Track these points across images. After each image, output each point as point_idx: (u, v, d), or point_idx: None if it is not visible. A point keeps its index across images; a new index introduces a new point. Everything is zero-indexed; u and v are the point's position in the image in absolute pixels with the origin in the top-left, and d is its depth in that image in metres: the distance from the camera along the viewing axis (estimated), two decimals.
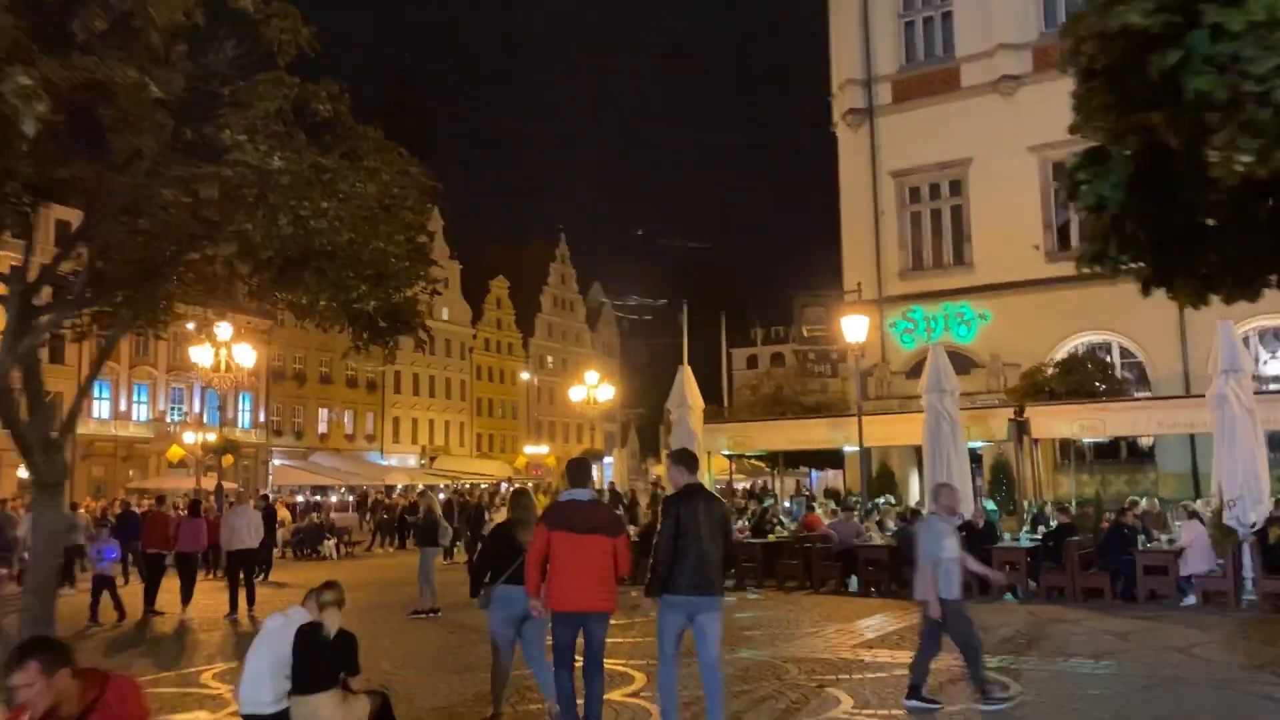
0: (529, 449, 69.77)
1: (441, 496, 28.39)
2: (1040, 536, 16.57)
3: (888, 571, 16.39)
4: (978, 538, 15.97)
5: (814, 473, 40.92)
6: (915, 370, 27.94)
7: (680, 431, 19.46)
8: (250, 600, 15.03)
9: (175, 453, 47.78)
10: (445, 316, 73.68)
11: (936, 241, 28.48)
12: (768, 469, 37.07)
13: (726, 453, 23.90)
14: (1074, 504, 20.19)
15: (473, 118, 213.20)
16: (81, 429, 52.55)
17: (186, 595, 15.04)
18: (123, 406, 54.30)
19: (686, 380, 19.56)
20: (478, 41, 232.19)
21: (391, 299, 7.11)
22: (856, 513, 18.00)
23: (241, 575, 14.94)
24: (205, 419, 58.50)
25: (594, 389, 36.99)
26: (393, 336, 7.88)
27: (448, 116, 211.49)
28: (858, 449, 22.90)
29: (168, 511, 15.71)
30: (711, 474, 23.85)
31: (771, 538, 18.11)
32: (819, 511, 20.05)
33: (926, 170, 28.56)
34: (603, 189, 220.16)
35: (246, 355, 26.98)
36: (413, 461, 68.83)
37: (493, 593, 7.52)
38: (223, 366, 26.55)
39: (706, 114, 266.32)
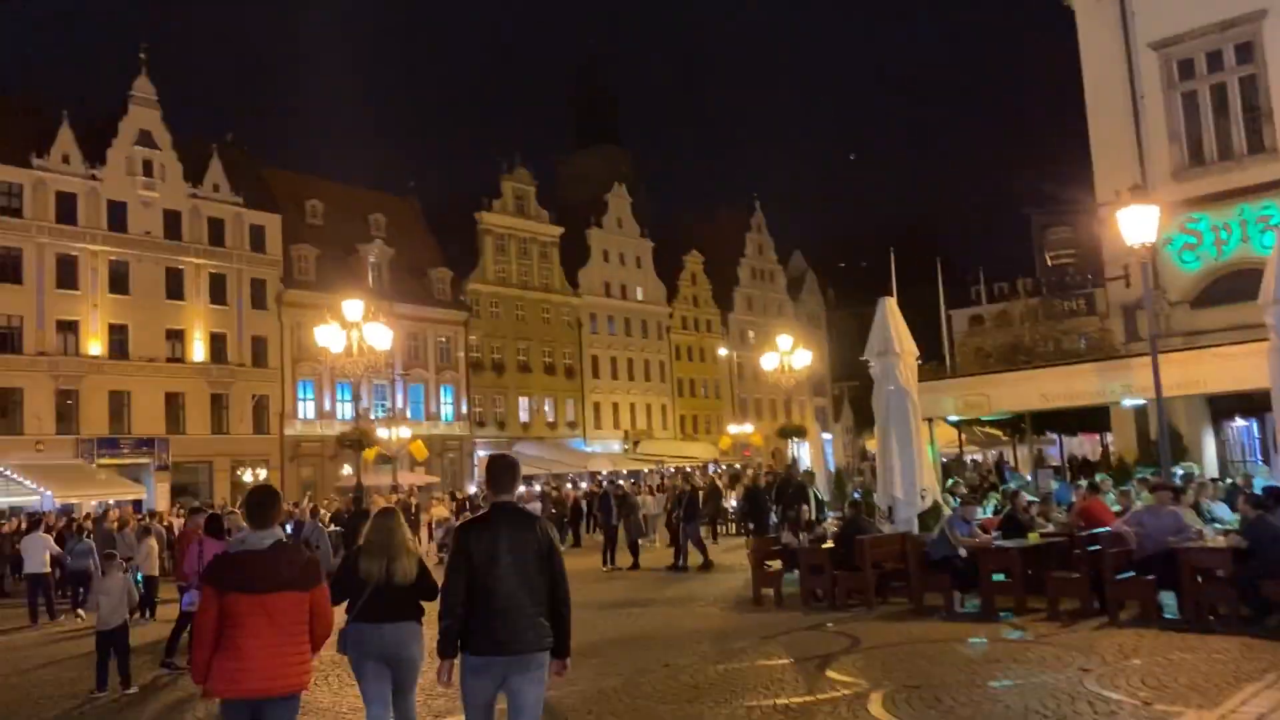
0: (733, 428, 64.33)
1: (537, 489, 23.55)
2: None
3: (1235, 588, 9.99)
4: None
5: (1058, 440, 33.54)
6: (1204, 298, 20.64)
7: (886, 390, 13.53)
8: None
9: (370, 453, 45.54)
10: (639, 296, 69.37)
11: (1222, 126, 20.96)
12: (1005, 437, 30.08)
13: (953, 418, 17.72)
14: None
15: (658, 91, 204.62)
16: (288, 430, 51.53)
17: None
18: (326, 406, 52.88)
19: (890, 317, 13.57)
20: (657, 13, 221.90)
21: None
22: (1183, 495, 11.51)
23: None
24: (409, 414, 56.81)
25: (788, 355, 31.17)
26: None
27: (633, 93, 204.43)
28: (1138, 403, 16.27)
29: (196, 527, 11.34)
30: (935, 447, 17.73)
31: (1033, 538, 11.95)
32: (1110, 498, 13.48)
33: (1201, 35, 21.07)
34: (797, 148, 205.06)
35: (381, 337, 22.94)
36: (616, 447, 65.01)
37: (347, 634, 6.17)
38: (354, 350, 22.62)
39: (906, 34, 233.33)
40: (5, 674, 11.76)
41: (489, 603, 4.89)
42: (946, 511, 12.96)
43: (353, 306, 22.59)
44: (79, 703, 9.73)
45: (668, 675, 9.07)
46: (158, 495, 43.65)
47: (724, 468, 59.76)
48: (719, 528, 26.19)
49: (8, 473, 40.79)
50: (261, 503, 5.22)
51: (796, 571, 13.43)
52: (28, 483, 40.24)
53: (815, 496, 17.60)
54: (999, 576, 11.53)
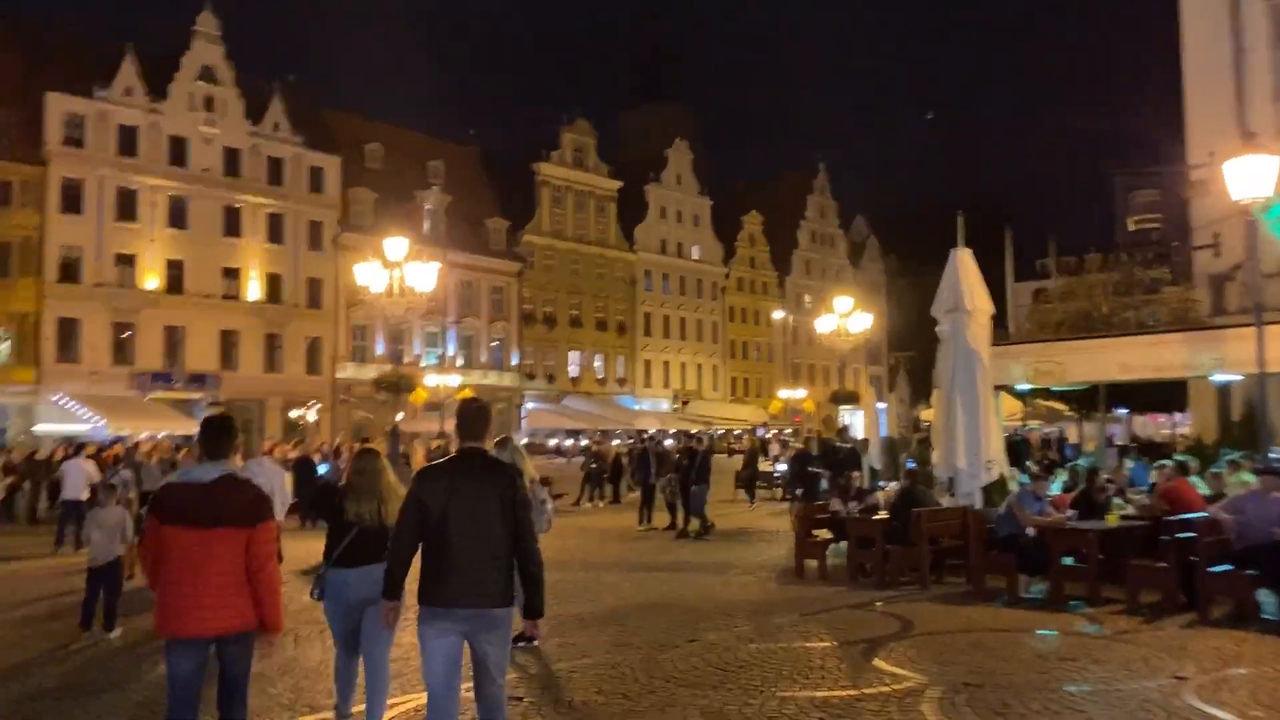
0: (784, 393, 62.94)
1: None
2: None
3: None
4: None
5: (1125, 417, 31.60)
6: None
7: (954, 351, 12.19)
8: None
9: (419, 396, 45.07)
10: (696, 255, 67.96)
11: None
12: (1070, 412, 28.32)
13: (1023, 387, 16.28)
14: None
15: (723, 48, 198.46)
16: (340, 373, 51.28)
17: None
18: (379, 350, 52.47)
19: (963, 270, 12.19)
20: None
21: None
22: None
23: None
24: (459, 362, 56.29)
25: (845, 318, 29.76)
26: None
27: (698, 51, 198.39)
28: (1231, 379, 14.75)
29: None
30: (1001, 418, 16.33)
31: (1111, 520, 10.62)
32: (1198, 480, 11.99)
33: None
34: (865, 111, 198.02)
35: (424, 277, 22.01)
36: (665, 406, 64.05)
37: (326, 580, 5.89)
38: (395, 290, 21.73)
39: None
40: None
41: (444, 553, 4.57)
42: (1014, 486, 11.65)
43: (395, 245, 21.67)
44: (55, 645, 8.94)
45: (693, 652, 7.98)
46: None
47: (773, 432, 58.48)
48: (757, 491, 25.01)
49: (63, 401, 41.00)
50: (216, 432, 4.85)
51: (843, 543, 12.26)
52: (83, 412, 40.40)
53: (868, 464, 16.31)
54: (1070, 561, 10.24)
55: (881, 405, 38.65)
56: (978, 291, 12.22)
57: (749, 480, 24.74)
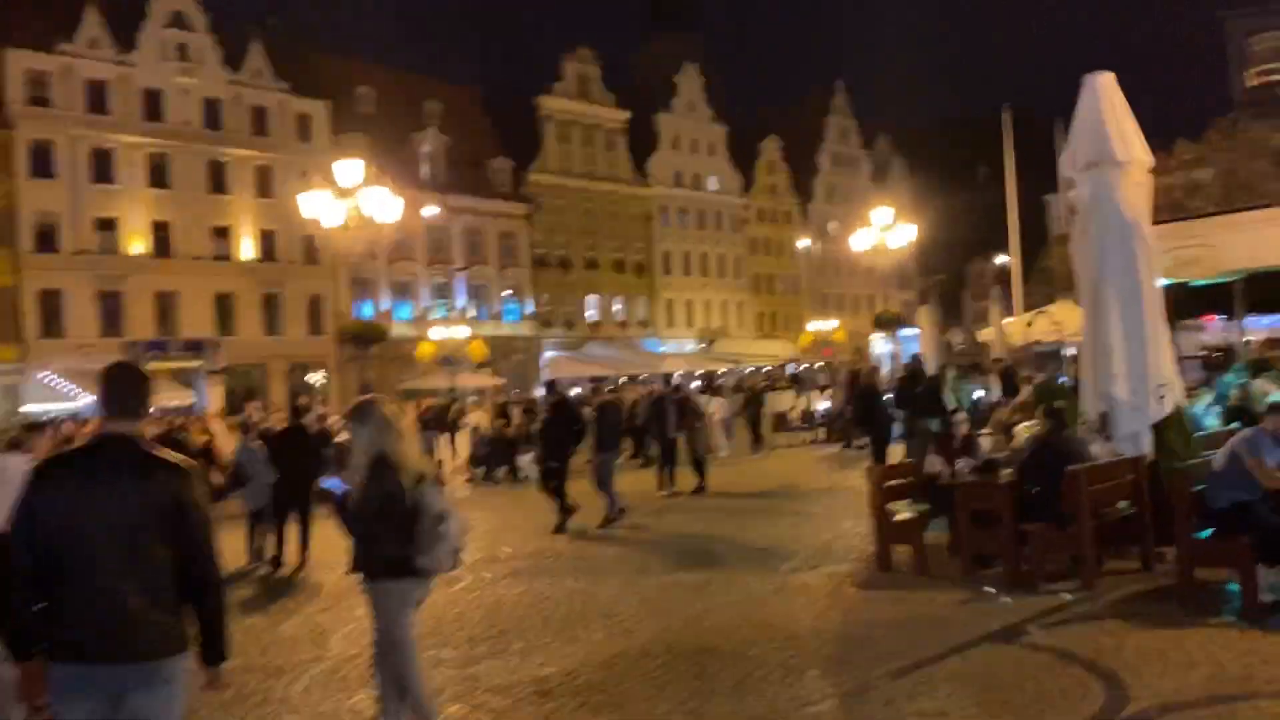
0: (813, 325, 58.49)
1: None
2: None
3: None
4: None
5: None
6: None
7: (1098, 226, 7.98)
8: None
9: (425, 350, 41.36)
10: (713, 187, 63.23)
11: None
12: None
13: (1160, 281, 12.05)
14: None
15: None
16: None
17: None
18: (384, 305, 48.67)
19: (1107, 104, 7.88)
20: None
21: None
22: None
23: None
24: (471, 313, 52.44)
25: (887, 230, 25.48)
26: None
27: None
28: None
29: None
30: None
31: None
32: None
33: None
34: (892, 19, 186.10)
35: (386, 206, 17.95)
36: (691, 346, 59.92)
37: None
38: (352, 223, 17.74)
39: None
40: None
41: (76, 587, 3.14)
42: (1210, 420, 7.53)
43: (347, 168, 17.65)
44: None
45: None
46: (210, 399, 40.26)
47: (802, 368, 54.37)
48: (799, 433, 21.07)
49: (49, 379, 37.59)
50: None
51: (942, 516, 8.23)
52: (71, 388, 37.02)
53: (959, 401, 12.00)
54: None
55: (913, 331, 34.43)
56: (1131, 134, 7.94)
57: (752, 422, 21.30)
